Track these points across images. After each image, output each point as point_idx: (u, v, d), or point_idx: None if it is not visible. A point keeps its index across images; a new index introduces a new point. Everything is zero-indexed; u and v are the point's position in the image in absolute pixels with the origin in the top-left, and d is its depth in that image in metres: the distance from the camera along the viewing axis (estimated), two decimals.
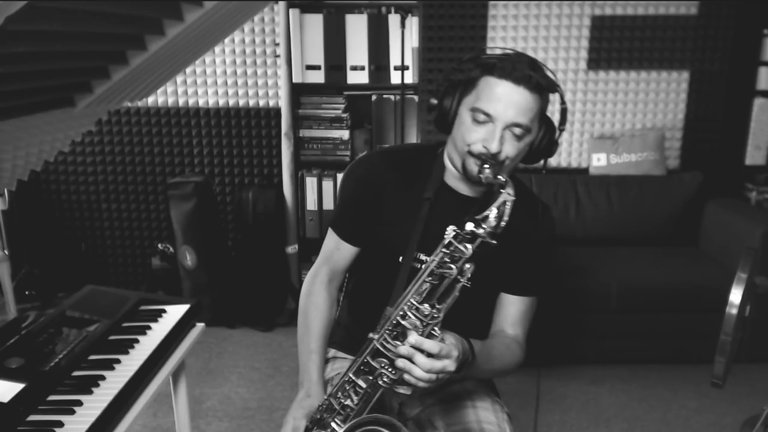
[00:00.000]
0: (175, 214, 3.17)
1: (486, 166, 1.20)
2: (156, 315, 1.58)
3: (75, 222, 3.52)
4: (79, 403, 1.20)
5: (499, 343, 1.37)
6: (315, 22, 3.21)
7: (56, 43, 0.91)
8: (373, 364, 1.17)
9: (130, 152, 3.44)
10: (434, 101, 1.33)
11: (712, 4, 3.16)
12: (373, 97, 3.38)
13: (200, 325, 1.63)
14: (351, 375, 1.19)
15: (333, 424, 1.20)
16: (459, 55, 3.19)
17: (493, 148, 1.23)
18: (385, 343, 1.15)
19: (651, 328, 2.84)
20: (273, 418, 2.50)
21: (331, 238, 1.46)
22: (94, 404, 1.20)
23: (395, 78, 3.27)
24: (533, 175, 3.12)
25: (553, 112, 1.30)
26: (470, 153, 1.27)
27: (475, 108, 1.25)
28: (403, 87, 3.28)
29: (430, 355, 1.11)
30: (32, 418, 1.16)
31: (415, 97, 3.33)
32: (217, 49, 3.30)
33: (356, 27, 3.22)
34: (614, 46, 3.23)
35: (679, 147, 3.36)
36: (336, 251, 1.45)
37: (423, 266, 1.18)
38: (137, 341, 1.46)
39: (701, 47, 3.22)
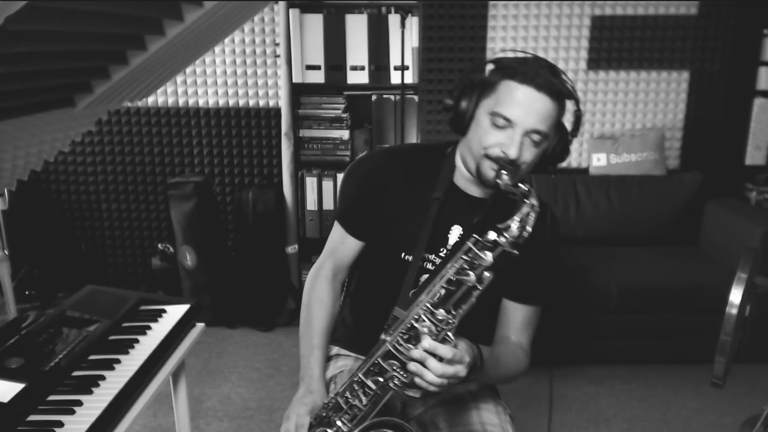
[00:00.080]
0: (175, 214, 3.17)
1: (503, 171, 1.19)
2: (156, 315, 1.58)
3: (75, 222, 3.52)
4: (79, 403, 1.20)
5: (506, 349, 1.37)
6: (315, 22, 3.21)
7: (56, 43, 0.91)
8: (384, 366, 1.16)
9: (130, 152, 3.44)
10: (449, 102, 1.31)
11: (712, 4, 3.16)
12: (373, 97, 3.38)
13: (200, 325, 1.63)
14: (361, 375, 1.19)
15: (339, 423, 1.19)
16: (459, 55, 3.21)
17: (513, 154, 1.22)
18: (397, 346, 1.15)
19: (651, 328, 2.84)
20: (273, 418, 2.50)
21: (337, 232, 1.46)
22: (94, 404, 1.20)
23: (395, 78, 3.27)
24: (533, 174, 3.12)
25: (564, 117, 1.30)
26: (487, 156, 1.26)
27: (495, 112, 1.23)
28: (403, 87, 3.28)
29: (442, 359, 1.11)
30: (32, 418, 1.16)
31: (415, 97, 3.33)
32: (217, 49, 3.30)
33: (356, 27, 3.22)
34: (614, 46, 3.23)
35: (679, 147, 3.36)
36: (341, 245, 1.45)
37: (441, 270, 1.17)
38: (137, 341, 1.46)
39: (701, 47, 3.22)
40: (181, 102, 3.39)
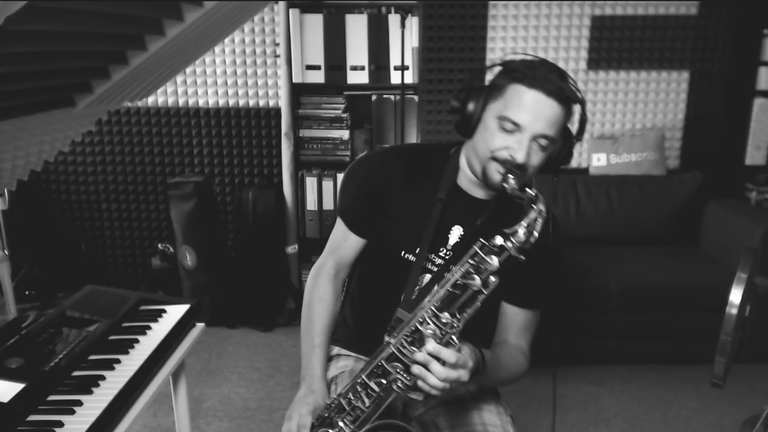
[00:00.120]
0: (175, 214, 3.17)
1: (510, 175, 1.19)
2: (156, 315, 1.58)
3: (75, 222, 3.52)
4: (79, 403, 1.20)
5: (506, 352, 1.37)
6: (315, 22, 3.21)
7: (56, 43, 0.91)
8: (388, 368, 1.16)
9: (130, 152, 3.44)
10: (456, 104, 1.31)
11: (712, 4, 3.16)
12: (373, 97, 3.38)
13: (200, 325, 1.63)
14: (364, 377, 1.19)
15: (341, 424, 1.19)
16: (459, 55, 3.21)
17: (520, 158, 1.22)
18: (401, 348, 1.15)
19: (651, 328, 2.84)
20: (273, 418, 2.49)
21: (339, 229, 1.46)
22: (94, 404, 1.20)
23: (395, 78, 3.27)
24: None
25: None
26: (494, 159, 1.25)
27: (503, 116, 1.23)
28: (403, 87, 3.28)
29: (445, 363, 1.11)
30: (32, 418, 1.16)
31: (415, 97, 3.33)
32: (217, 49, 3.30)
33: (356, 27, 3.22)
34: (614, 46, 3.23)
35: (679, 147, 3.36)
36: (343, 243, 1.45)
37: (446, 273, 1.17)
38: (137, 341, 1.46)
39: (701, 47, 3.22)
40: (181, 102, 3.39)
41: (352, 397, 1.20)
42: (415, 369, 1.12)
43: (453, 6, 3.17)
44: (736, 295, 1.49)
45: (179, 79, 3.35)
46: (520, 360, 1.39)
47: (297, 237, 3.41)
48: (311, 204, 3.39)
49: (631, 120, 3.33)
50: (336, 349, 1.52)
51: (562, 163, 1.33)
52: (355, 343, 1.50)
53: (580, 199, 3.16)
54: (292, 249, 3.41)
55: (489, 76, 1.34)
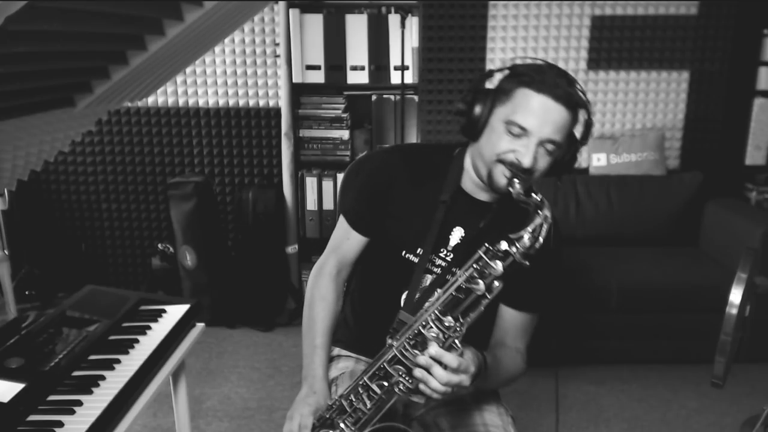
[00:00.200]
0: (175, 214, 3.17)
1: (516, 180, 1.19)
2: (156, 315, 1.58)
3: (75, 222, 3.52)
4: (79, 403, 1.20)
5: (505, 354, 1.37)
6: (315, 22, 3.21)
7: (56, 43, 0.91)
8: (390, 370, 1.16)
9: (130, 152, 3.44)
10: (462, 106, 1.30)
11: (712, 4, 3.16)
12: (373, 97, 3.38)
13: (200, 325, 1.63)
14: (366, 379, 1.19)
15: (342, 425, 1.19)
16: (459, 55, 3.21)
17: (527, 163, 1.22)
18: (404, 351, 1.15)
19: (651, 328, 2.84)
20: (273, 418, 2.50)
21: (342, 227, 1.45)
22: (94, 404, 1.20)
23: (395, 78, 3.27)
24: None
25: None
26: (500, 161, 1.25)
27: (510, 120, 1.23)
28: (403, 87, 3.28)
29: (448, 368, 1.11)
30: (32, 418, 1.16)
31: (415, 97, 3.32)
32: (217, 49, 3.30)
33: (356, 27, 3.22)
34: (614, 46, 3.23)
35: (679, 147, 3.36)
36: (345, 241, 1.44)
37: (449, 277, 1.17)
38: (137, 341, 1.46)
39: (701, 47, 3.22)
40: (181, 102, 3.39)
41: (354, 399, 1.20)
42: (417, 372, 1.12)
43: (453, 6, 3.17)
44: (736, 295, 1.49)
45: (179, 79, 3.35)
46: (518, 361, 1.39)
47: (297, 237, 3.41)
48: (311, 204, 3.39)
49: (631, 120, 3.33)
50: (336, 350, 1.52)
51: (566, 168, 1.32)
52: (355, 344, 1.50)
53: (580, 199, 3.16)
54: (292, 249, 3.41)
55: (493, 80, 1.34)
